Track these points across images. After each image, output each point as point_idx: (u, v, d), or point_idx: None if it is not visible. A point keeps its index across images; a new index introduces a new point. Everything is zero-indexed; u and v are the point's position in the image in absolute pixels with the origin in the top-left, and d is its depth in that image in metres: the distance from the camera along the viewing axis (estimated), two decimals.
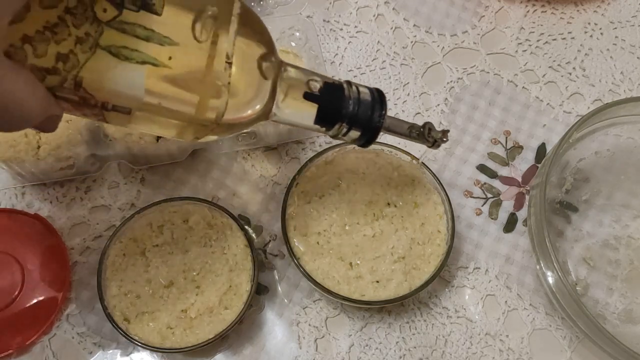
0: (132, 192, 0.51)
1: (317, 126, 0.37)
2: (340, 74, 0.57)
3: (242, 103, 0.34)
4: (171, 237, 0.45)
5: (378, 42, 0.59)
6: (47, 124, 0.31)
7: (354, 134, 0.38)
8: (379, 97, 0.38)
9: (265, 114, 0.36)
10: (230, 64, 0.32)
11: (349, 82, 0.37)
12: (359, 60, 0.58)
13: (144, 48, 0.30)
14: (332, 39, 0.58)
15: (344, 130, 0.37)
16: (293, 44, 0.54)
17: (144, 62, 0.30)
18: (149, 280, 0.44)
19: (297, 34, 0.55)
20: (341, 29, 0.59)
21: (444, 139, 0.40)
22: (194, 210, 0.46)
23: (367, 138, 0.38)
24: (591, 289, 0.50)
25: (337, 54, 0.58)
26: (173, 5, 0.31)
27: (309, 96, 0.36)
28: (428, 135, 0.40)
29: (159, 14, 0.30)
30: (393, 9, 0.60)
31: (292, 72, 0.36)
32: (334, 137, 0.38)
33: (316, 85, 0.36)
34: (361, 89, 0.37)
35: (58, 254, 0.47)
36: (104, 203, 0.50)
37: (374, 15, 0.60)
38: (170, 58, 0.31)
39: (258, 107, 0.34)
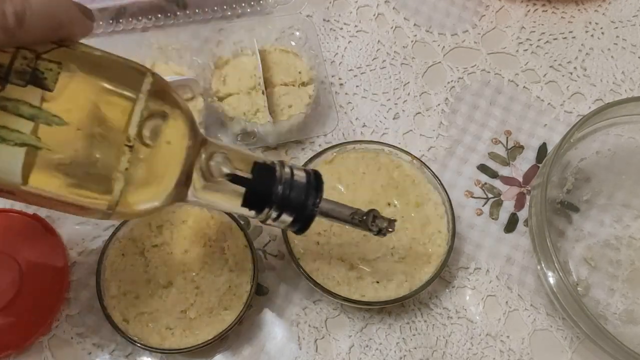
0: None
1: (244, 209, 0.34)
2: (340, 74, 0.57)
3: (144, 192, 0.30)
4: (170, 238, 0.45)
5: (378, 41, 0.58)
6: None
7: (286, 219, 0.34)
8: (315, 180, 0.34)
9: (180, 198, 0.32)
10: (130, 147, 0.28)
11: (282, 163, 0.34)
12: (359, 59, 0.58)
13: (26, 128, 0.27)
14: (332, 39, 0.58)
15: (274, 215, 0.34)
16: (293, 43, 0.54)
17: (23, 145, 0.27)
18: (148, 281, 0.44)
19: (297, 33, 0.55)
20: (341, 29, 0.59)
21: (390, 229, 0.37)
22: (193, 210, 0.46)
23: (300, 225, 0.35)
24: (592, 289, 0.50)
25: (337, 54, 0.57)
26: (71, 79, 0.28)
27: (235, 179, 0.32)
28: (372, 223, 0.37)
29: (50, 90, 0.27)
30: (393, 8, 0.60)
31: (214, 150, 0.33)
32: (264, 222, 0.35)
33: (244, 167, 0.33)
34: (296, 171, 0.34)
35: (57, 254, 0.47)
36: None
37: (374, 15, 0.60)
38: (57, 140, 0.27)
39: (166, 195, 0.31)
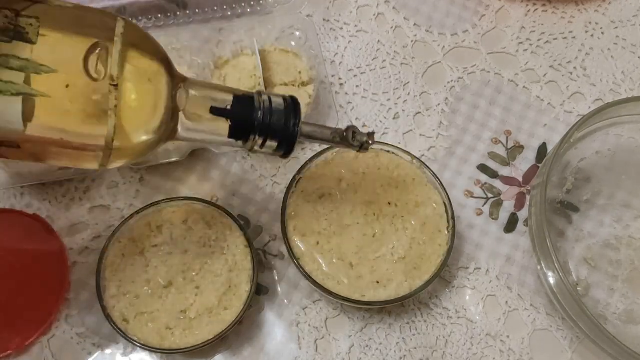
0: (131, 192, 0.51)
1: (231, 140, 0.36)
2: (340, 74, 0.57)
3: (135, 126, 0.32)
4: (170, 238, 0.45)
5: (378, 41, 0.58)
6: None
7: (271, 145, 0.36)
8: (292, 104, 0.36)
9: (168, 135, 0.34)
10: (115, 86, 0.31)
11: (259, 93, 0.36)
12: (359, 59, 0.57)
13: (18, 79, 0.29)
14: (332, 39, 0.58)
15: (260, 142, 0.36)
16: (293, 43, 0.54)
17: (19, 94, 0.29)
18: (148, 281, 0.44)
19: (297, 33, 0.55)
20: (341, 28, 0.59)
21: (370, 142, 0.39)
22: (193, 210, 0.46)
23: (286, 148, 0.37)
24: (592, 289, 0.50)
25: (337, 54, 0.57)
26: (51, 30, 0.30)
27: (216, 111, 0.35)
28: (352, 139, 0.38)
29: (33, 43, 0.30)
30: (393, 8, 0.60)
31: (194, 87, 0.35)
32: (251, 150, 0.37)
33: (224, 99, 0.35)
34: (274, 98, 0.36)
35: (57, 254, 0.47)
36: (103, 203, 0.50)
37: (374, 15, 0.60)
38: (49, 86, 0.30)
39: (155, 128, 0.33)
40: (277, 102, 0.36)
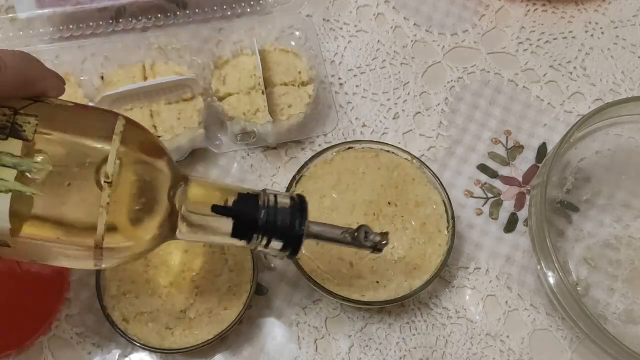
0: None
1: (235, 240, 0.35)
2: (340, 74, 0.57)
3: (128, 225, 0.31)
4: None
5: (378, 41, 0.58)
6: None
7: (277, 245, 0.35)
8: (299, 204, 0.35)
9: (166, 235, 0.34)
10: (110, 183, 0.30)
11: (264, 191, 0.36)
12: (359, 59, 0.57)
13: (10, 176, 0.29)
14: (332, 39, 0.58)
15: (264, 242, 0.35)
16: (293, 43, 0.54)
17: (8, 191, 0.29)
18: (148, 281, 0.44)
19: (297, 33, 0.55)
20: (341, 29, 0.59)
21: (384, 242, 0.37)
22: None
23: (292, 248, 0.36)
24: (592, 289, 0.50)
25: (337, 54, 0.57)
26: (50, 129, 0.30)
27: (219, 209, 0.34)
28: (365, 240, 0.37)
29: (29, 140, 0.29)
30: (393, 8, 0.60)
31: (196, 185, 0.34)
32: (255, 250, 0.36)
33: (227, 198, 0.34)
34: (280, 198, 0.35)
35: None
36: None
37: (374, 15, 0.60)
38: (42, 184, 0.29)
39: (151, 228, 0.32)
40: (283, 201, 0.35)
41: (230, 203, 0.34)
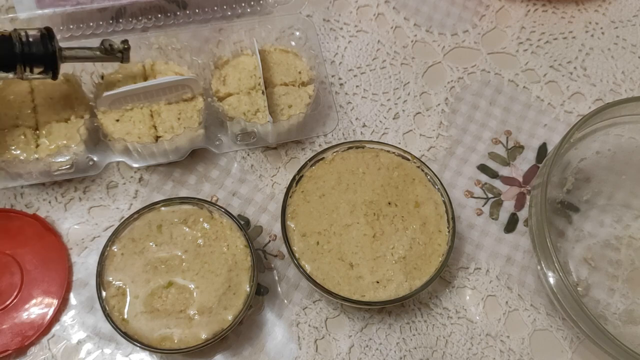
0: (130, 192, 0.51)
1: (3, 74, 0.42)
2: (340, 74, 0.57)
3: None
4: (170, 237, 0.45)
5: (378, 41, 0.58)
6: None
7: (38, 69, 0.43)
8: (47, 32, 0.43)
9: None
10: None
11: (15, 30, 0.43)
12: (359, 59, 0.57)
13: None
14: (332, 39, 0.58)
15: (27, 69, 0.43)
16: (293, 43, 0.54)
17: None
18: (148, 281, 0.44)
19: (297, 33, 0.55)
20: (341, 28, 0.59)
21: (126, 46, 0.45)
22: (193, 210, 0.46)
23: (50, 69, 0.43)
24: (592, 289, 0.50)
25: (337, 54, 0.57)
26: None
27: None
28: (111, 50, 0.45)
29: None
30: (393, 8, 0.60)
31: None
32: (23, 78, 0.43)
33: None
34: (30, 31, 0.43)
35: (57, 254, 0.47)
36: (103, 203, 0.50)
37: (374, 15, 0.60)
38: None
39: None
40: (33, 34, 0.43)
41: None
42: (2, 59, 0.42)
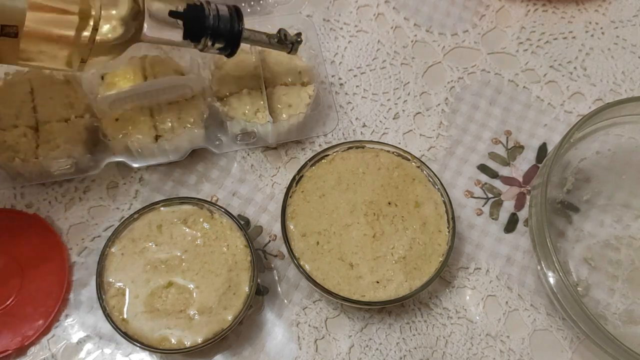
0: (130, 192, 0.51)
1: (186, 41, 0.42)
2: (340, 74, 0.57)
3: (114, 18, 0.38)
4: (170, 237, 0.45)
5: (378, 41, 0.58)
6: None
7: (219, 45, 0.43)
8: (236, 12, 0.44)
9: (138, 32, 0.40)
10: None
11: (207, 2, 0.43)
12: (359, 59, 0.57)
13: None
14: (332, 38, 0.58)
15: (210, 43, 0.43)
16: None
17: None
18: (147, 281, 0.44)
19: None
20: (341, 28, 0.59)
21: (299, 40, 0.46)
22: (193, 210, 0.46)
23: (231, 47, 0.44)
24: (592, 289, 0.50)
25: (337, 54, 0.57)
26: None
27: (174, 13, 0.41)
28: (285, 39, 0.46)
29: None
30: (393, 8, 0.60)
31: None
32: (202, 50, 0.43)
33: (179, 6, 0.41)
34: (220, 6, 0.43)
35: (57, 254, 0.47)
36: (103, 203, 0.50)
37: (374, 15, 0.60)
38: None
39: (128, 23, 0.39)
40: (223, 9, 0.43)
41: (181, 9, 0.41)
42: (194, 29, 0.42)
